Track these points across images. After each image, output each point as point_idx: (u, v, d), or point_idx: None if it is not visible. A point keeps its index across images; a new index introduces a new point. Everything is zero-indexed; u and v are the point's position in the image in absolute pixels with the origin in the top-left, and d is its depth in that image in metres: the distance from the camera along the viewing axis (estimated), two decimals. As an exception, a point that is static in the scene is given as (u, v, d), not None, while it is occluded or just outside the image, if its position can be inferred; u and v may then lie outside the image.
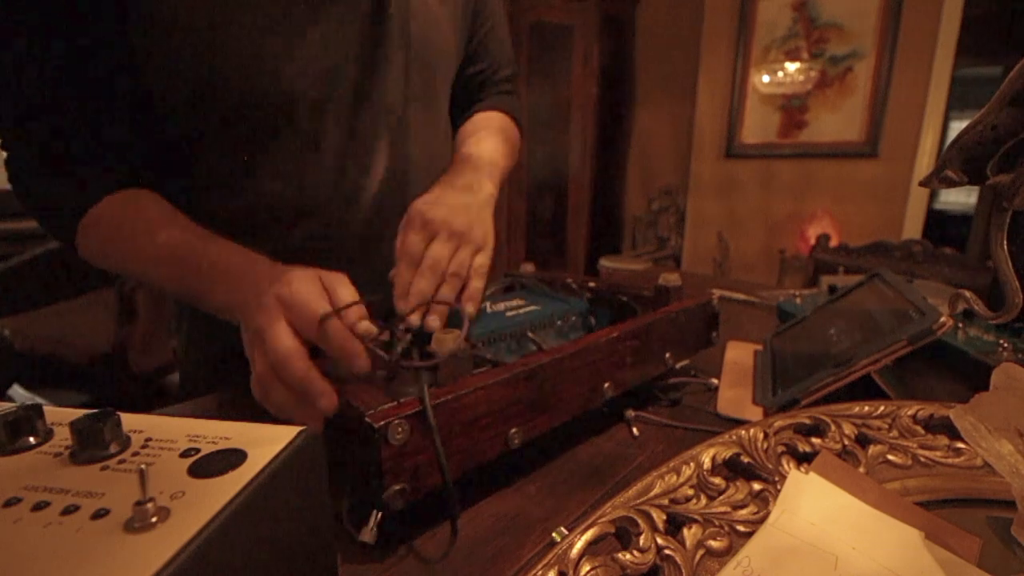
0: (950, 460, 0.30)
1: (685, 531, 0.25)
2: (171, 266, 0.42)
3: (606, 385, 0.42)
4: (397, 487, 0.28)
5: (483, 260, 0.47)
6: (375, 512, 0.30)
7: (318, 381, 0.31)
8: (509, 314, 0.49)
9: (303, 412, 0.32)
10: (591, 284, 0.60)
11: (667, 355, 0.48)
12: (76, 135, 0.45)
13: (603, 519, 0.25)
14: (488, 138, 0.60)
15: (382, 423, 0.27)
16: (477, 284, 0.46)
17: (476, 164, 0.56)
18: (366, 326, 0.34)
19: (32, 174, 0.46)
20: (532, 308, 0.51)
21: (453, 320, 0.43)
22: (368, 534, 0.29)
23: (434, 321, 0.42)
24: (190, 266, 0.41)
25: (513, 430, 0.35)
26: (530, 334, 0.48)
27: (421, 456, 0.30)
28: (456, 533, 0.32)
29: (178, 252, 0.42)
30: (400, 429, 0.28)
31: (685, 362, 0.53)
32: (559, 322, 0.52)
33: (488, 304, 0.53)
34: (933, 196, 3.25)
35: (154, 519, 0.16)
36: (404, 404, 0.30)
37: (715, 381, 0.53)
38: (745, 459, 0.30)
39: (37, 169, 0.46)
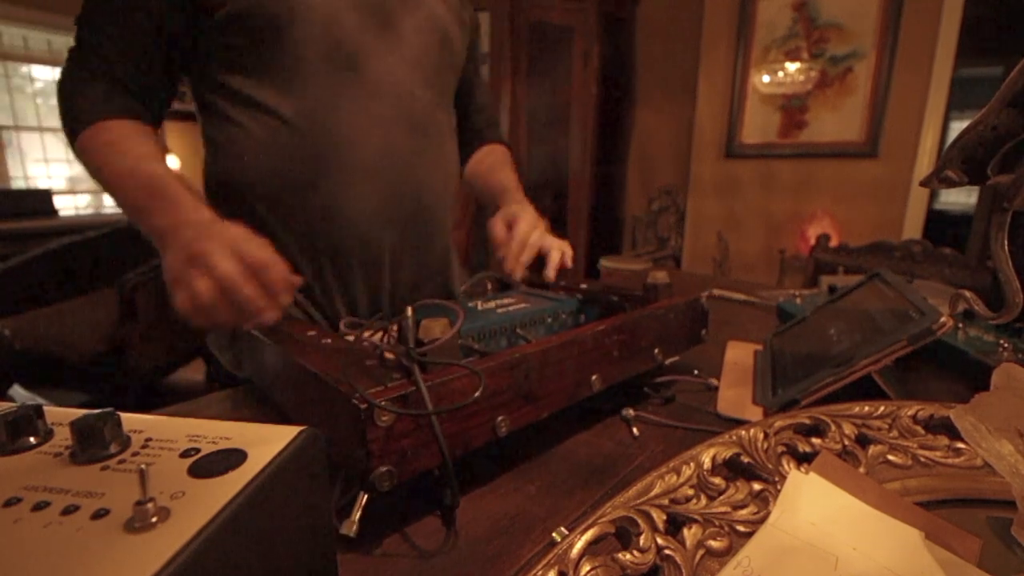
0: (950, 460, 0.30)
1: (685, 531, 0.25)
2: (132, 180, 0.52)
3: (593, 378, 0.43)
4: (384, 468, 0.29)
5: (551, 238, 0.66)
6: (358, 502, 0.30)
7: (263, 299, 0.42)
8: (500, 311, 0.50)
9: (240, 322, 0.43)
10: (582, 285, 0.61)
11: (656, 351, 0.49)
12: (140, 78, 0.57)
13: (603, 519, 0.25)
14: (511, 171, 0.81)
15: (367, 405, 0.28)
16: (555, 255, 0.64)
17: (518, 190, 0.76)
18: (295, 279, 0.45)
19: (86, 80, 0.56)
20: (523, 306, 0.52)
21: (450, 315, 0.44)
22: (349, 527, 0.29)
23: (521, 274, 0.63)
24: (144, 184, 0.50)
25: (500, 418, 0.35)
26: (519, 330, 0.48)
27: (408, 440, 0.30)
28: (454, 523, 0.32)
29: (142, 169, 0.51)
30: (387, 412, 0.28)
31: (675, 358, 0.54)
32: (549, 319, 0.52)
33: (479, 302, 0.53)
34: (933, 196, 3.24)
35: (154, 519, 0.16)
36: (391, 387, 0.30)
37: (714, 381, 0.53)
38: (745, 459, 0.30)
39: (92, 78, 0.56)
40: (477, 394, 0.32)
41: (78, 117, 0.55)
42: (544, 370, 0.38)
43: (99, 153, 0.54)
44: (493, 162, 0.83)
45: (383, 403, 0.28)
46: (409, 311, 0.37)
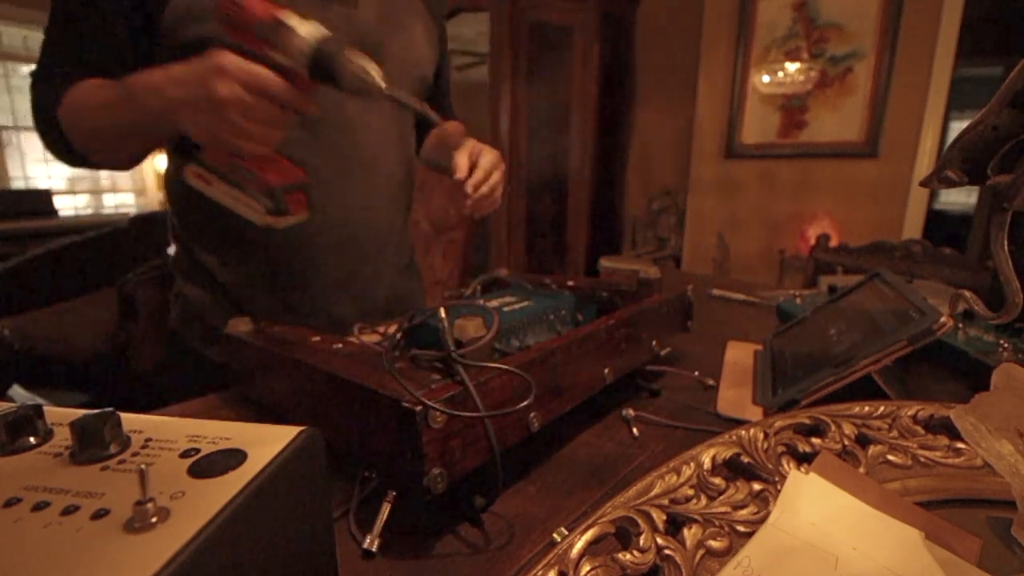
0: (950, 460, 0.30)
1: (685, 531, 0.25)
2: (123, 97, 0.51)
3: (606, 371, 0.44)
4: (437, 470, 0.29)
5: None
6: (380, 516, 0.30)
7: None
8: (506, 309, 0.50)
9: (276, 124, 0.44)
10: (570, 283, 0.62)
11: (653, 343, 0.51)
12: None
13: (603, 519, 0.25)
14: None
15: (421, 407, 0.28)
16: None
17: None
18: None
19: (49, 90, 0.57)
20: (526, 303, 0.52)
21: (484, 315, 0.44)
22: (371, 542, 0.29)
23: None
24: (136, 87, 0.49)
25: (532, 414, 0.36)
26: (515, 341, 0.49)
27: (456, 440, 0.30)
28: (483, 524, 0.32)
29: (127, 84, 0.50)
30: (440, 413, 0.29)
31: (668, 349, 0.57)
32: (551, 316, 0.52)
33: (482, 301, 0.53)
34: (933, 196, 3.24)
35: (154, 519, 0.16)
36: (437, 389, 0.30)
37: (711, 381, 0.53)
38: (745, 459, 0.30)
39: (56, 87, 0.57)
40: (528, 401, 0.33)
41: (54, 97, 0.55)
42: (568, 365, 0.39)
43: (83, 103, 0.55)
44: (448, 132, 0.84)
45: (437, 404, 0.28)
46: (443, 312, 0.37)
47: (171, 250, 0.73)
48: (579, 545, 0.24)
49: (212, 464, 0.19)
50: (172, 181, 0.68)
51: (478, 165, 0.65)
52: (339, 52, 0.41)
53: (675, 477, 0.28)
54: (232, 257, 0.67)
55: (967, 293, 0.28)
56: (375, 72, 0.43)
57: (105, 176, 3.67)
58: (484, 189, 0.64)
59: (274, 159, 0.47)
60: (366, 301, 0.73)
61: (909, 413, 0.33)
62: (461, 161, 0.64)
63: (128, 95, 0.50)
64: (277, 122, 0.45)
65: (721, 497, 0.27)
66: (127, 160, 0.61)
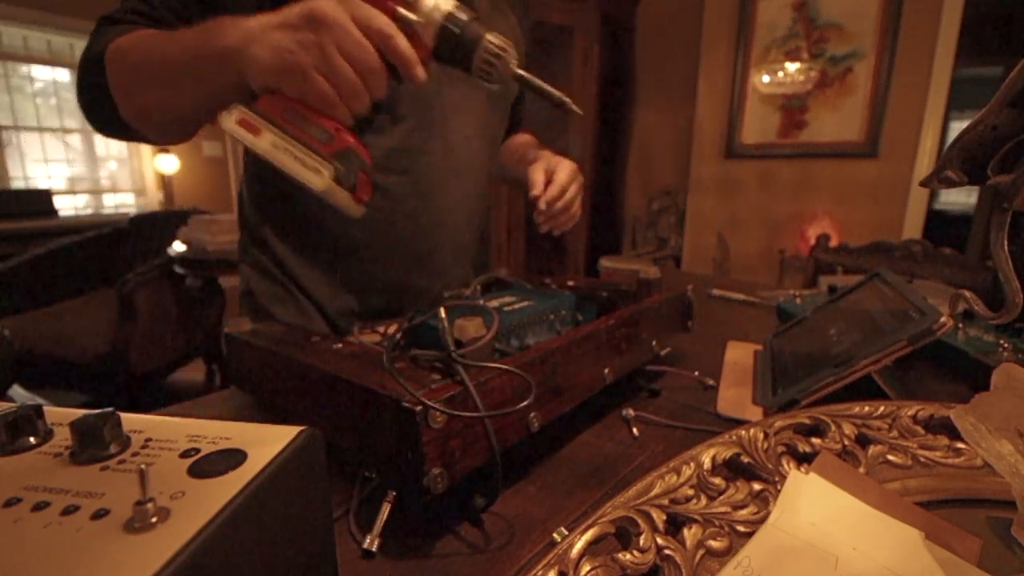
0: (950, 460, 0.30)
1: (685, 531, 0.25)
2: (187, 41, 0.43)
3: (606, 371, 0.44)
4: (437, 470, 0.29)
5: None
6: (380, 516, 0.30)
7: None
8: (506, 309, 0.50)
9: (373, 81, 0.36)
10: (570, 283, 0.62)
11: (653, 343, 0.52)
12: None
13: (603, 519, 0.25)
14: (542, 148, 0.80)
15: (421, 407, 0.28)
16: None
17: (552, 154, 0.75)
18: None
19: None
20: (526, 303, 0.52)
21: (483, 316, 0.44)
22: (371, 542, 0.30)
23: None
24: (204, 28, 0.42)
25: (532, 414, 0.36)
26: (515, 341, 0.49)
27: (456, 440, 0.30)
28: (483, 523, 0.32)
29: (191, 30, 0.43)
30: (440, 413, 0.29)
31: (668, 349, 0.57)
32: (551, 316, 0.52)
33: (482, 301, 0.53)
34: (933, 196, 3.25)
35: (154, 519, 0.16)
36: (437, 389, 0.30)
37: (710, 381, 0.53)
38: (745, 459, 0.30)
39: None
40: (528, 401, 0.33)
41: (100, 41, 0.47)
42: (568, 365, 0.39)
43: (135, 48, 0.46)
44: (523, 143, 0.86)
45: (437, 404, 0.28)
46: (442, 312, 0.37)
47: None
48: (579, 545, 0.24)
49: (212, 464, 0.19)
50: (249, 158, 0.66)
51: (554, 180, 0.64)
52: (472, 24, 0.37)
53: (675, 477, 0.28)
54: (303, 245, 0.65)
55: (967, 293, 0.28)
56: (511, 52, 0.38)
57: (105, 176, 3.67)
58: (559, 205, 0.63)
59: (347, 129, 0.38)
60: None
61: (909, 413, 0.33)
62: (536, 176, 0.63)
63: (200, 27, 0.42)
64: (375, 79, 0.36)
65: (721, 497, 0.27)
66: (176, 124, 0.51)
